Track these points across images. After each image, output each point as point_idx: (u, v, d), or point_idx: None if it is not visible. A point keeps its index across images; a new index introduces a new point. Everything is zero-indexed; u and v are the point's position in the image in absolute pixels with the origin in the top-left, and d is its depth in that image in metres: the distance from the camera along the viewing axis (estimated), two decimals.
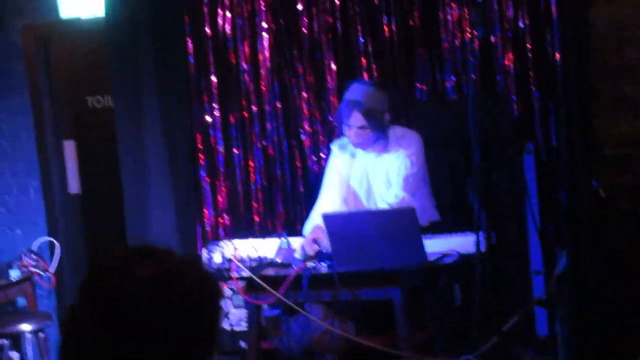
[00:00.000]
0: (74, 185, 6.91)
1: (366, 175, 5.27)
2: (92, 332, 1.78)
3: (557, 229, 5.33)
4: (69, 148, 6.91)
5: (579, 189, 4.18)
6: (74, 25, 6.68)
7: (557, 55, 5.39)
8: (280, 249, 4.93)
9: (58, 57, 6.88)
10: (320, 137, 6.18)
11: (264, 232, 6.08)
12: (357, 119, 5.07)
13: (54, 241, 6.30)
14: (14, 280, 5.90)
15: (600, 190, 3.98)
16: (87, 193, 6.89)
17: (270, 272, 4.76)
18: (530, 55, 5.68)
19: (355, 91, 5.16)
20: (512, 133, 5.50)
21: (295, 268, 4.69)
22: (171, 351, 1.77)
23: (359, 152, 5.27)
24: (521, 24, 5.69)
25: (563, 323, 4.45)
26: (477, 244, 4.24)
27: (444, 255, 4.70)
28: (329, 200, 5.27)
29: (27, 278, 6.04)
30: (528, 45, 5.68)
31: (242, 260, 4.79)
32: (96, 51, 6.54)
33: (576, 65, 4.38)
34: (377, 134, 5.13)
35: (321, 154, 6.17)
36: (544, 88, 5.64)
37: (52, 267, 6.10)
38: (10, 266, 5.94)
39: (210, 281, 1.91)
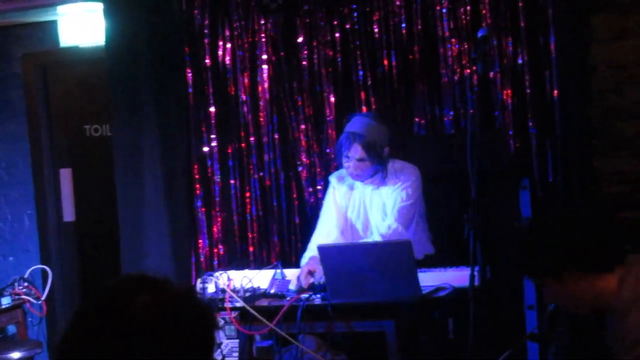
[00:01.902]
0: (68, 213, 6.90)
1: (364, 207, 5.27)
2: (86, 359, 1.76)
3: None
4: (65, 176, 6.92)
5: None
6: (74, 54, 6.71)
7: (555, 92, 5.42)
8: (274, 279, 4.92)
9: (57, 85, 6.91)
10: (318, 169, 6.18)
11: (259, 263, 6.07)
12: (356, 151, 5.08)
13: (47, 269, 6.29)
14: (5, 307, 5.87)
15: None
16: (81, 221, 6.88)
17: (263, 302, 4.74)
18: (528, 91, 5.70)
19: (356, 123, 5.17)
20: (509, 168, 5.50)
21: (289, 299, 4.68)
22: None
23: (357, 185, 5.27)
24: (520, 60, 5.71)
25: (555, 358, 4.43)
26: (472, 278, 4.22)
27: (439, 289, 4.69)
28: (326, 231, 5.27)
29: (19, 305, 6.01)
30: (526, 81, 5.69)
31: (235, 291, 4.77)
32: (95, 80, 6.57)
33: (575, 103, 4.40)
34: (376, 167, 5.13)
35: (318, 186, 6.17)
36: (541, 124, 5.65)
37: (44, 295, 6.08)
38: (1, 293, 5.92)
39: (206, 312, 1.90)
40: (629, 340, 2.67)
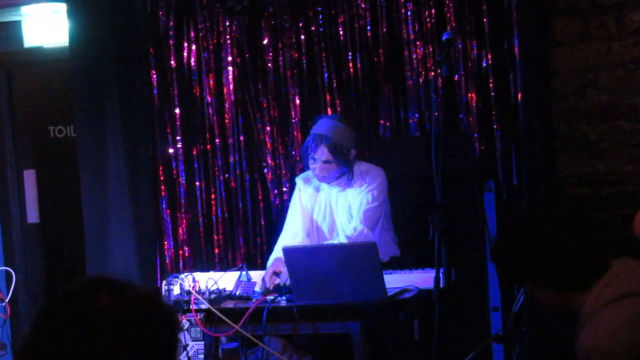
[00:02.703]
0: (32, 214, 6.86)
1: (330, 209, 5.28)
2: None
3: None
4: (29, 177, 6.87)
5: None
6: (38, 54, 6.67)
7: (520, 95, 5.46)
8: (239, 281, 4.91)
9: (21, 86, 6.86)
10: (283, 171, 6.19)
11: (224, 264, 6.07)
12: (323, 153, 5.09)
13: (10, 270, 6.24)
14: None
15: None
16: (46, 222, 6.84)
17: (229, 304, 4.74)
18: (492, 94, 5.73)
19: (322, 125, 5.18)
20: (474, 171, 5.54)
21: (255, 301, 4.68)
22: None
23: (323, 186, 5.28)
24: (484, 63, 5.74)
25: (519, 359, 4.47)
26: (437, 280, 4.24)
27: (404, 291, 4.71)
28: (292, 233, 5.27)
29: None
30: (491, 84, 5.73)
31: (201, 293, 4.77)
32: (59, 80, 6.53)
33: (538, 106, 4.43)
34: (342, 169, 5.14)
35: (283, 188, 6.18)
36: (505, 127, 5.69)
37: (8, 297, 6.03)
38: None
39: (169, 313, 1.90)
40: (582, 355, 2.66)
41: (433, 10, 5.82)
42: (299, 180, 5.39)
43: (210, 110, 6.30)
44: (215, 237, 6.35)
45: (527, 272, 2.80)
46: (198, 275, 4.91)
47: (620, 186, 4.03)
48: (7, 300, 6.02)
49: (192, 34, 6.27)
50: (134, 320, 1.79)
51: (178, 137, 6.33)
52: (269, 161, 6.21)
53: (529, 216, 3.05)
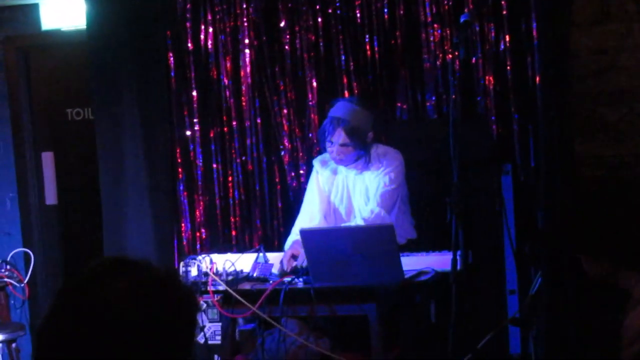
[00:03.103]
0: (50, 196, 6.89)
1: (347, 191, 5.29)
2: (67, 342, 1.76)
3: (533, 249, 5.35)
4: (47, 159, 6.89)
5: (556, 210, 4.20)
6: (55, 37, 6.69)
7: (537, 78, 5.44)
8: (256, 263, 4.93)
9: (39, 69, 6.88)
10: (300, 153, 6.19)
11: (241, 246, 6.08)
12: (340, 136, 5.09)
13: (29, 252, 6.28)
14: None
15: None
16: (64, 204, 6.87)
17: (246, 286, 4.75)
18: (510, 77, 5.71)
19: (340, 108, 5.17)
20: (491, 153, 5.53)
21: (272, 282, 4.69)
22: None
23: (341, 169, 5.28)
24: (502, 46, 5.72)
25: (536, 342, 4.46)
26: (454, 262, 4.24)
27: (421, 273, 4.71)
28: (309, 215, 5.28)
29: (1, 288, 6.01)
30: (508, 67, 5.71)
31: (218, 274, 4.78)
32: (77, 63, 6.55)
33: (556, 88, 4.40)
34: (359, 152, 5.14)
35: (300, 171, 6.18)
36: (523, 110, 5.67)
37: (27, 278, 6.08)
38: None
39: (187, 294, 1.91)
40: (627, 337, 2.65)
41: None
42: (316, 163, 5.39)
43: (227, 92, 6.31)
44: (232, 219, 6.36)
45: (596, 240, 2.81)
46: (215, 256, 4.92)
47: (638, 169, 4.02)
48: (25, 282, 6.06)
49: (209, 17, 6.27)
50: (154, 301, 1.80)
51: (195, 120, 6.35)
52: (286, 144, 6.21)
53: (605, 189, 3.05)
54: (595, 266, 2.83)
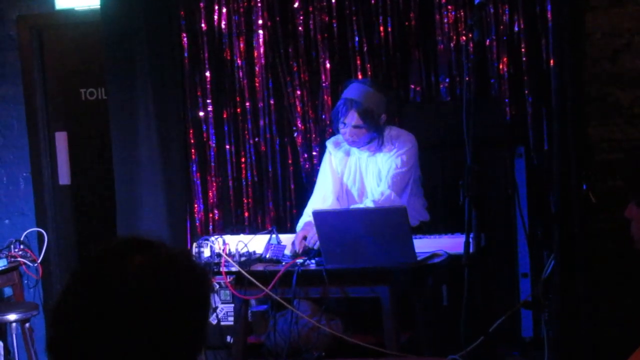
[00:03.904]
0: (64, 176, 6.90)
1: (360, 173, 5.28)
2: (82, 320, 1.77)
3: (545, 233, 5.35)
4: (61, 139, 6.90)
5: (570, 193, 4.19)
6: (69, 16, 6.68)
7: (551, 61, 5.42)
8: (269, 244, 4.93)
9: (52, 48, 6.87)
10: (313, 135, 6.19)
11: (254, 228, 6.09)
12: (353, 118, 5.08)
13: (43, 232, 6.30)
14: (1, 270, 5.89)
15: (590, 195, 3.99)
16: (77, 184, 6.88)
17: (259, 267, 4.75)
18: (524, 59, 5.69)
19: (353, 90, 5.16)
20: (505, 136, 5.51)
21: (285, 264, 4.69)
22: (160, 341, 1.77)
23: (354, 151, 5.27)
24: (516, 28, 5.70)
25: (548, 326, 4.46)
26: (466, 245, 4.23)
27: (433, 255, 4.71)
28: (322, 196, 5.28)
29: (15, 268, 6.04)
30: (522, 49, 5.69)
31: (231, 255, 4.79)
32: (91, 43, 6.54)
33: (570, 71, 4.38)
34: (372, 134, 5.13)
35: (313, 152, 6.18)
36: (536, 92, 5.66)
37: (40, 258, 6.10)
38: None
39: (201, 273, 1.91)
40: None
41: None
42: (329, 144, 5.38)
43: (241, 73, 6.30)
44: (245, 201, 6.37)
45: None
46: (228, 238, 4.92)
47: None
48: (39, 261, 6.09)
49: None
50: (168, 280, 1.80)
51: (208, 101, 6.35)
52: (299, 125, 6.21)
53: None
54: None
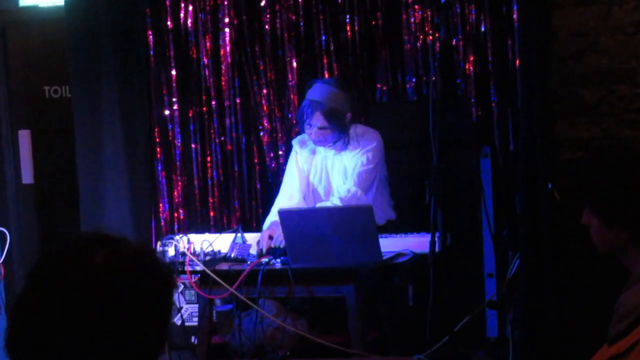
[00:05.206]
0: (27, 175, 6.83)
1: (326, 171, 5.27)
2: (41, 316, 1.74)
3: (511, 233, 5.35)
4: (24, 138, 6.83)
5: (535, 193, 4.20)
6: (33, 13, 6.62)
7: (518, 61, 5.43)
8: (234, 243, 4.90)
9: (16, 46, 6.80)
10: (279, 134, 6.17)
11: (220, 227, 6.06)
12: (318, 119, 5.07)
13: (4, 231, 6.23)
14: None
15: (555, 194, 4.00)
16: (40, 183, 6.81)
17: (224, 266, 4.73)
18: (490, 59, 5.70)
19: (317, 91, 5.14)
20: (471, 136, 5.52)
21: (250, 263, 4.67)
22: (121, 338, 1.74)
23: (319, 149, 5.26)
24: (483, 28, 5.71)
25: (513, 326, 4.47)
26: (432, 244, 4.24)
27: (399, 255, 4.71)
28: (289, 194, 5.26)
29: None
30: (489, 49, 5.70)
31: (196, 254, 4.76)
32: (55, 40, 6.48)
33: (536, 70, 4.39)
34: (338, 134, 5.13)
35: (279, 152, 6.16)
36: (502, 92, 5.67)
37: (2, 257, 6.04)
38: None
39: (165, 270, 1.88)
40: (618, 313, 2.63)
41: None
42: (295, 143, 5.37)
43: (207, 72, 6.27)
44: (211, 200, 6.34)
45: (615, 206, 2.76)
46: (193, 237, 4.89)
47: (618, 150, 4.01)
48: (0, 261, 6.01)
49: None
50: (130, 277, 1.77)
51: (174, 99, 6.31)
52: (265, 124, 6.19)
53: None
54: (609, 234, 2.78)
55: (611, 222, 2.76)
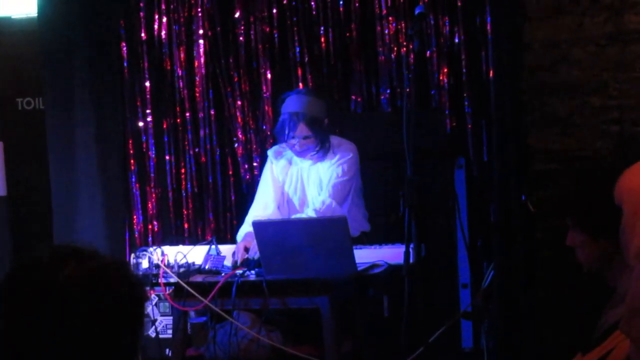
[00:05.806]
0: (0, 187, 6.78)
1: (301, 182, 5.27)
2: (10, 333, 1.73)
3: (485, 243, 5.37)
4: None
5: (510, 203, 4.21)
6: (5, 25, 6.59)
7: (491, 72, 5.45)
8: (208, 255, 4.88)
9: None
10: (254, 145, 6.17)
11: (194, 239, 6.04)
12: (302, 130, 5.09)
13: None
14: None
15: (529, 205, 4.01)
16: (13, 196, 6.76)
17: (198, 278, 4.71)
18: (464, 70, 5.73)
19: (296, 102, 5.15)
20: (445, 147, 5.54)
21: (224, 275, 4.65)
22: (91, 352, 1.73)
23: (295, 160, 5.26)
24: (457, 40, 5.74)
25: (488, 336, 4.48)
26: (407, 255, 4.24)
27: (374, 266, 4.70)
28: (263, 204, 5.26)
29: None
30: (463, 61, 5.72)
31: (170, 266, 4.73)
32: (28, 52, 6.45)
33: (509, 82, 4.42)
34: (320, 141, 5.14)
35: (254, 163, 6.16)
36: (476, 104, 5.69)
37: None
38: None
39: (134, 283, 1.88)
40: (603, 329, 2.64)
41: None
42: (270, 153, 5.37)
43: (181, 83, 6.27)
44: (185, 212, 6.32)
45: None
46: (167, 248, 4.87)
47: (590, 162, 4.03)
48: None
49: (163, 6, 6.22)
50: (101, 290, 1.77)
51: (148, 111, 6.30)
52: (240, 135, 6.18)
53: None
54: (595, 247, 2.79)
55: (597, 235, 2.79)
